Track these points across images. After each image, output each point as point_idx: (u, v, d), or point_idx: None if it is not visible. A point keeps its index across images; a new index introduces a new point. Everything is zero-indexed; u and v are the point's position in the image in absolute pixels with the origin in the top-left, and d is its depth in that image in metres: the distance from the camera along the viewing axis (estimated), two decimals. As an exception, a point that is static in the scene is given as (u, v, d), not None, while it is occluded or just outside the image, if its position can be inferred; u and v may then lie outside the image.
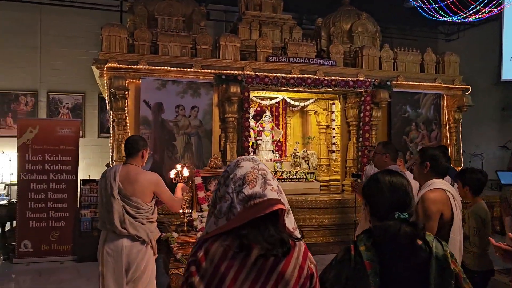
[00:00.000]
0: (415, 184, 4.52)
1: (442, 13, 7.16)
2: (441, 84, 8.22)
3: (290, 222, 1.37)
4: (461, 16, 6.92)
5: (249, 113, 7.22)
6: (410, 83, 8.05)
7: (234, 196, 1.33)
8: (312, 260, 1.38)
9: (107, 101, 7.02)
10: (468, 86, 8.39)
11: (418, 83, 8.12)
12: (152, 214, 3.09)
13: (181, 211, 4.06)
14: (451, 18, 7.31)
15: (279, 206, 1.31)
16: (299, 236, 1.37)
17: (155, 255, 3.16)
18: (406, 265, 1.56)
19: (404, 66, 8.22)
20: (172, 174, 3.73)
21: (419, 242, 1.59)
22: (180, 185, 3.53)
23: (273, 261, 1.28)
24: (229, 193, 1.35)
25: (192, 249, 1.40)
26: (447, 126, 8.28)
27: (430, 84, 8.20)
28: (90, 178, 7.06)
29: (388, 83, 7.71)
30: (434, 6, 7.17)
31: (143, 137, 3.27)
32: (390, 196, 1.66)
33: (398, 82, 7.92)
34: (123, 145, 6.54)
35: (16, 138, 9.47)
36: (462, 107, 8.19)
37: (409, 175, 4.35)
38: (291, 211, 1.40)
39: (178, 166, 3.76)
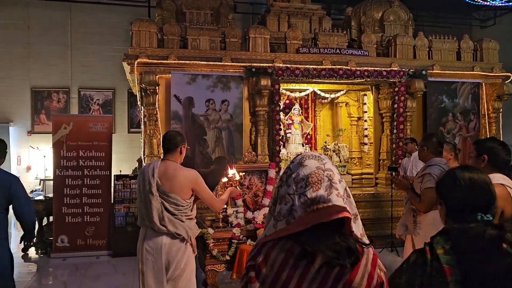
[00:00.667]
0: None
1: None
2: (479, 73, 7.87)
3: (357, 228, 1.25)
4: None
5: (279, 106, 7.10)
6: (447, 72, 7.72)
7: (295, 198, 1.22)
8: (382, 267, 1.26)
9: (138, 97, 7.04)
10: (509, 74, 8.01)
11: (455, 72, 7.78)
12: (191, 211, 3.03)
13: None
14: (494, 2, 6.93)
15: (345, 214, 1.19)
16: (367, 242, 1.25)
17: (194, 253, 3.10)
18: (491, 271, 1.39)
19: (440, 54, 7.89)
20: (225, 179, 3.71)
21: (504, 245, 1.44)
22: (230, 188, 3.47)
23: (339, 269, 1.18)
24: (290, 194, 1.24)
25: (250, 252, 1.30)
26: (486, 116, 7.92)
27: (467, 72, 7.85)
28: (122, 173, 7.14)
29: (424, 72, 7.42)
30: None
31: (180, 132, 3.20)
32: (470, 195, 1.50)
33: (433, 71, 7.61)
34: (155, 141, 6.62)
35: (49, 134, 9.71)
36: (502, 95, 7.82)
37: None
38: (358, 216, 1.28)
39: (230, 172, 3.73)
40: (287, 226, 1.22)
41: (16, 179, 3.35)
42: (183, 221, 2.95)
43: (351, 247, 1.18)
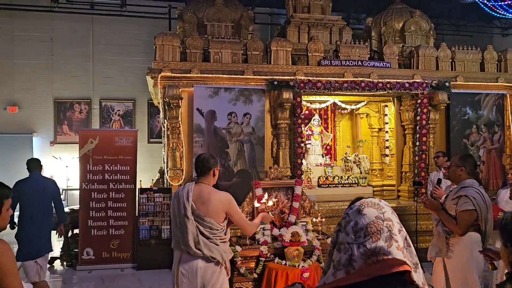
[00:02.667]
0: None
1: (507, 7, 6.74)
2: (503, 84, 7.75)
3: (419, 277, 1.24)
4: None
5: (301, 119, 7.09)
6: (470, 83, 7.63)
7: (354, 248, 1.21)
8: None
9: (161, 110, 7.11)
10: (534, 85, 7.87)
11: (479, 83, 7.69)
12: (225, 234, 3.04)
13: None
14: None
15: (405, 268, 1.18)
16: None
17: (228, 275, 3.11)
18: None
19: (463, 65, 7.80)
20: (257, 203, 3.73)
21: None
22: (262, 214, 3.47)
23: None
24: (349, 243, 1.23)
25: None
26: (511, 127, 7.79)
27: (491, 83, 7.75)
28: (141, 183, 7.20)
29: (447, 84, 7.34)
30: (501, 4, 6.75)
31: (213, 155, 3.23)
32: None
33: (457, 83, 7.53)
34: (177, 154, 6.67)
35: (71, 144, 9.87)
36: (527, 107, 7.70)
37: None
38: (419, 265, 1.27)
39: (265, 196, 3.75)
40: (346, 276, 1.22)
41: (56, 183, 5.38)
42: (218, 245, 2.96)
43: None
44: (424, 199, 3.59)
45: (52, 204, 5.07)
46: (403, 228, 1.28)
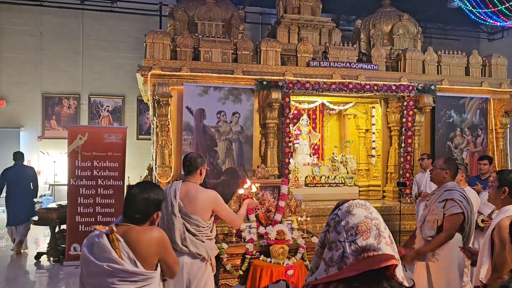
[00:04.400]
0: (475, 200, 4.41)
1: (492, 16, 6.91)
2: (487, 88, 7.93)
3: (399, 271, 1.35)
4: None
5: (289, 119, 7.18)
6: (455, 87, 7.80)
7: (346, 245, 1.31)
8: None
9: (150, 108, 7.14)
10: (518, 90, 8.07)
11: (464, 87, 7.86)
12: (211, 232, 3.12)
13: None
14: (502, 24, 7.04)
15: (393, 262, 1.28)
16: (408, 285, 1.34)
17: (213, 271, 3.19)
18: None
19: (449, 69, 7.97)
20: (242, 190, 3.77)
21: None
22: (247, 201, 3.54)
23: None
24: (341, 241, 1.33)
25: None
26: (494, 131, 7.98)
27: (476, 88, 7.92)
28: (130, 179, 7.22)
29: (433, 87, 7.49)
30: (485, 11, 6.92)
31: (201, 154, 3.30)
32: None
33: (442, 86, 7.69)
34: (166, 151, 6.71)
35: (59, 140, 9.83)
36: (510, 111, 7.88)
37: (468, 190, 4.23)
38: (400, 261, 1.37)
39: (248, 182, 3.80)
40: (339, 271, 1.31)
41: (34, 169, 7.47)
42: (203, 242, 3.04)
43: None
44: (406, 255, 3.36)
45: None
46: (387, 227, 1.38)
